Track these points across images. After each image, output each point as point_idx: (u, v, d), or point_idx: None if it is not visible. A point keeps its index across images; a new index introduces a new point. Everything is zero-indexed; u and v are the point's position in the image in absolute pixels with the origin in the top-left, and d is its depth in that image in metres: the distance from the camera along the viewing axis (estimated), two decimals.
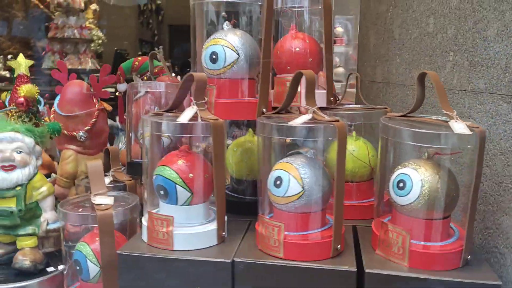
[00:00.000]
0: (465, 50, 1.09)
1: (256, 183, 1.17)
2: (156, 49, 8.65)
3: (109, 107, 1.49)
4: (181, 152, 0.96)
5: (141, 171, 1.33)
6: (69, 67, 4.42)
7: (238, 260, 0.88)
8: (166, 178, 0.93)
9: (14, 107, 1.15)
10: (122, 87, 1.55)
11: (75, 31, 4.57)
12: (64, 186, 1.39)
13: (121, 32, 7.58)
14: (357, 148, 1.12)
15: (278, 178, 0.89)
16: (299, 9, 1.17)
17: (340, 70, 3.94)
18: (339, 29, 4.25)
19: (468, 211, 0.83)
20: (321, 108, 1.07)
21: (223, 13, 0.99)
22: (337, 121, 0.86)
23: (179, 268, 0.89)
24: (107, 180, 1.27)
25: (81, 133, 1.37)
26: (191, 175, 0.93)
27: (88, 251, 1.04)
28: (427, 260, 0.84)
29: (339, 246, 0.88)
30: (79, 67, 4.46)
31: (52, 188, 1.19)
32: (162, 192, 0.94)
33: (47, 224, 1.16)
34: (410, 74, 1.49)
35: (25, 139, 1.13)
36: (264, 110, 0.98)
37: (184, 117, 0.91)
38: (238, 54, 0.96)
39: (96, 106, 1.43)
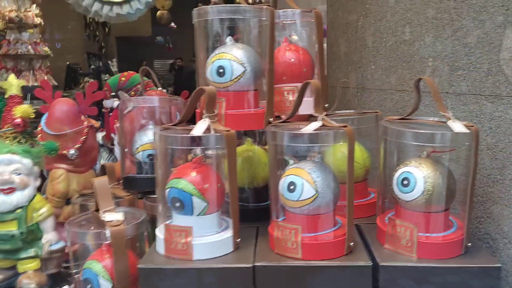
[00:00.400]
0: (445, 56, 1.19)
1: (258, 190, 1.22)
2: (109, 62, 8.48)
3: (96, 124, 1.47)
4: (194, 164, 0.98)
5: (137, 186, 1.35)
6: (24, 84, 4.25)
7: (259, 264, 0.91)
8: (181, 190, 0.95)
9: (10, 128, 1.12)
10: (108, 103, 1.54)
11: (29, 47, 4.41)
12: (56, 206, 1.36)
13: (68, 46, 7.38)
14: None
15: (292, 183, 0.94)
16: (290, 22, 1.23)
17: None
18: (294, 37, 4.41)
19: (467, 202, 0.91)
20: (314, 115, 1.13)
21: (226, 29, 1.03)
22: (346, 126, 0.92)
23: (202, 277, 0.91)
24: None
25: (72, 151, 1.35)
26: (206, 185, 0.96)
27: (99, 268, 1.03)
28: (433, 250, 0.91)
29: (351, 244, 0.94)
30: (35, 84, 4.29)
31: (51, 208, 1.17)
32: (177, 204, 0.96)
33: (50, 245, 1.14)
34: (387, 79, 1.59)
35: (22, 161, 1.11)
36: (270, 119, 1.02)
37: (198, 130, 0.94)
38: (244, 67, 1.00)
39: (85, 123, 1.42)
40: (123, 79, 1.52)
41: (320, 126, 0.93)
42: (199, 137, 0.94)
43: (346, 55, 2.02)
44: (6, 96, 1.17)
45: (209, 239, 0.96)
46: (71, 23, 7.84)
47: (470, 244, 0.93)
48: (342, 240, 0.93)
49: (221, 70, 1.00)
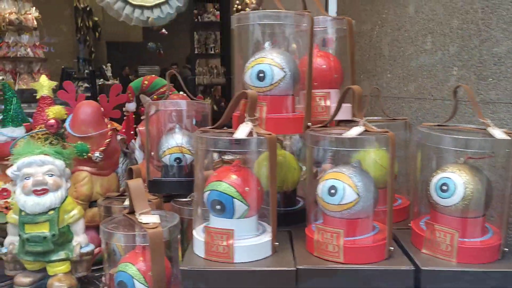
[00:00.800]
0: (471, 65, 1.22)
1: (287, 195, 1.23)
2: (103, 66, 8.44)
3: (119, 127, 1.47)
4: (234, 167, 0.99)
5: (163, 189, 1.34)
6: (23, 87, 4.22)
7: (302, 267, 0.92)
8: (223, 192, 0.96)
9: (42, 129, 1.12)
10: (131, 106, 1.53)
11: (29, 49, 4.38)
12: None
13: (59, 50, 7.35)
14: (381, 157, 1.20)
15: (333, 187, 0.95)
16: (321, 29, 1.24)
17: None
18: (294, 46, 4.46)
19: (505, 207, 0.94)
20: (346, 121, 1.15)
21: (265, 34, 1.04)
22: (387, 132, 0.94)
23: (244, 279, 0.92)
24: None
25: (97, 154, 1.34)
26: (247, 188, 0.97)
27: (134, 271, 1.02)
28: (473, 255, 0.93)
29: (391, 248, 0.95)
30: None
31: (82, 211, 1.16)
32: (218, 207, 0.96)
33: (80, 247, 1.13)
34: (406, 87, 1.62)
35: (55, 162, 1.10)
36: (309, 124, 1.03)
37: (241, 133, 0.95)
38: (284, 72, 1.01)
39: (109, 126, 1.42)
40: (146, 82, 1.52)
41: (363, 131, 0.94)
42: (242, 140, 0.95)
43: (358, 63, 2.04)
44: (37, 97, 1.16)
45: (249, 242, 0.97)
46: (63, 27, 7.81)
47: (506, 249, 0.95)
48: (382, 245, 0.94)
49: (261, 75, 1.01)
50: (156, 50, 9.67)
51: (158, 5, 1.75)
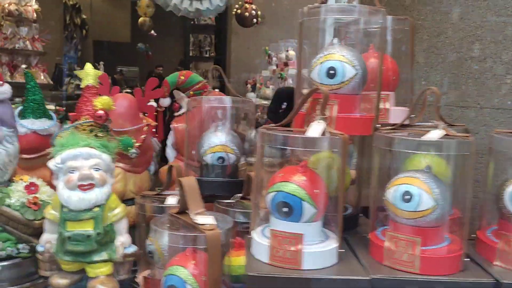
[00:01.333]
0: None
1: (333, 198, 1.17)
2: (96, 64, 8.34)
3: (154, 122, 1.40)
4: (302, 168, 0.93)
5: (204, 189, 1.27)
6: (20, 80, 4.08)
7: (376, 277, 0.86)
8: (291, 194, 0.90)
9: (90, 120, 1.04)
10: (165, 101, 1.46)
11: (27, 42, 4.24)
12: None
13: (47, 46, 7.20)
14: (436, 165, 1.16)
15: (407, 193, 0.90)
16: (376, 29, 1.20)
17: None
18: (291, 53, 4.42)
19: None
20: (404, 125, 1.11)
21: (335, 29, 0.99)
22: (468, 137, 0.90)
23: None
24: (174, 199, 1.19)
25: (133, 150, 1.27)
26: (316, 190, 0.91)
27: (186, 274, 0.96)
28: None
29: (467, 259, 0.91)
30: None
31: (126, 209, 1.09)
32: (285, 209, 0.90)
33: (124, 248, 1.06)
34: (445, 95, 1.58)
35: (102, 156, 1.03)
36: (378, 125, 0.99)
37: (314, 132, 0.89)
38: (356, 69, 0.97)
39: (144, 121, 1.35)
40: (182, 77, 1.45)
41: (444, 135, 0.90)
42: (316, 139, 0.89)
43: None
44: (82, 86, 1.09)
45: (317, 248, 0.91)
46: (51, 23, 7.64)
47: None
48: (458, 255, 0.89)
49: (332, 72, 0.96)
50: (144, 51, 9.57)
51: None
